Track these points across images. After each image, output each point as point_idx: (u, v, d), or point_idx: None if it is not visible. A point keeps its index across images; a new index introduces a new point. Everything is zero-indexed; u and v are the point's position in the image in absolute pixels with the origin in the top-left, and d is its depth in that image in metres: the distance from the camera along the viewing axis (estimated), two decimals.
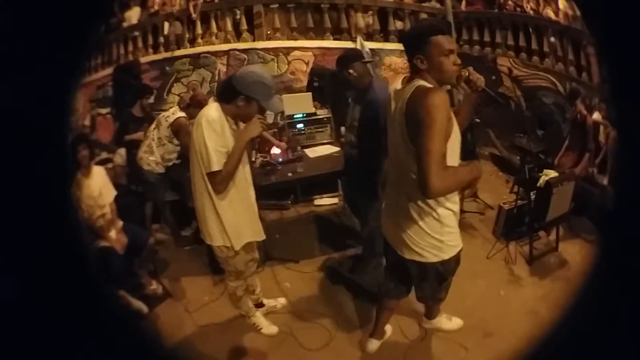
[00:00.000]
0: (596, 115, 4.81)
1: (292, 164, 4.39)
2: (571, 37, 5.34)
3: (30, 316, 0.83)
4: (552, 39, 5.53)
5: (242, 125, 2.68)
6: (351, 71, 3.41)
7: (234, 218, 2.71)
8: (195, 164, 2.59)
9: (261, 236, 3.01)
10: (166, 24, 6.59)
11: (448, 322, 3.35)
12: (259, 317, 3.35)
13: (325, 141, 5.18)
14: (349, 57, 3.52)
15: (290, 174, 4.21)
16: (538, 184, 4.06)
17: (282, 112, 5.74)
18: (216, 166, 2.49)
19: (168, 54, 6.57)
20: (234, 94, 2.50)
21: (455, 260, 2.50)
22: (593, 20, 0.94)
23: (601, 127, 4.77)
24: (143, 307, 3.62)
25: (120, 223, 3.73)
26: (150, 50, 6.59)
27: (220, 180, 2.55)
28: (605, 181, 4.63)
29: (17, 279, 0.83)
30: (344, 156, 3.93)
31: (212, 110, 2.52)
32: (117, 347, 0.93)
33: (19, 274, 0.84)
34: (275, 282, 4.01)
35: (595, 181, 4.73)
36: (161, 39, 6.59)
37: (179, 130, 4.26)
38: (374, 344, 3.14)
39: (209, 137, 2.45)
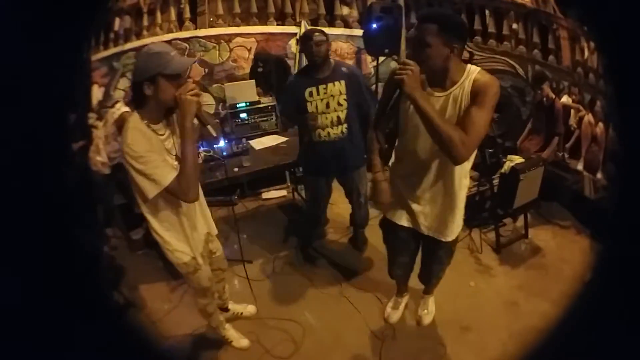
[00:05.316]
0: (565, 99, 4.78)
1: (237, 157, 4.10)
2: (538, 20, 5.29)
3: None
4: (514, 26, 5.50)
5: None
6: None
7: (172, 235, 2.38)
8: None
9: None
10: (117, 20, 6.22)
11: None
12: (229, 330, 3.13)
13: (270, 130, 4.97)
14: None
15: (236, 169, 3.92)
16: (502, 170, 3.95)
17: (224, 102, 5.51)
18: (151, 193, 2.09)
19: (116, 49, 6.18)
20: (140, 88, 2.08)
21: None
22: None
23: (572, 111, 4.75)
24: None
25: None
26: (101, 47, 6.18)
27: (185, 190, 2.11)
28: (579, 166, 4.61)
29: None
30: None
31: (129, 131, 2.12)
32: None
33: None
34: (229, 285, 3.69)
35: (567, 166, 4.70)
36: (112, 35, 6.21)
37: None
38: (396, 314, 3.32)
39: (138, 163, 2.07)
